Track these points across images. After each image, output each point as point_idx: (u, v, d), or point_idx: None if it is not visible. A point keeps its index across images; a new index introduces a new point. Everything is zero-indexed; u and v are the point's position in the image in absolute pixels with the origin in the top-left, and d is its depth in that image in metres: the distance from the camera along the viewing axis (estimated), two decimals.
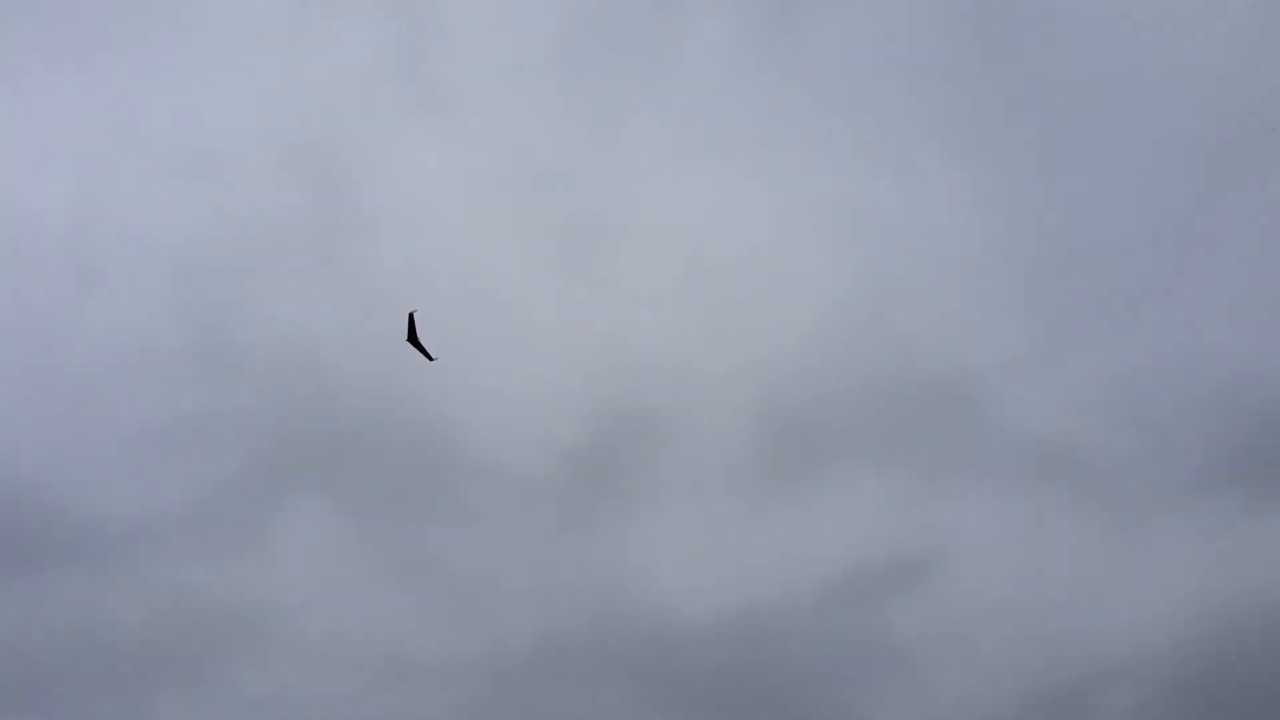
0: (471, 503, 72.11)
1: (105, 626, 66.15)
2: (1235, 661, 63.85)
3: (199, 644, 67.05)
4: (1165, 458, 70.86)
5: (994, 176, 79.00)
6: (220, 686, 65.61)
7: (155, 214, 73.95)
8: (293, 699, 65.07)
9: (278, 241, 75.32)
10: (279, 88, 78.56)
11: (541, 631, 67.35)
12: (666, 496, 72.22)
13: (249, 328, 74.30)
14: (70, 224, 73.50)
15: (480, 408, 74.88)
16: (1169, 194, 78.27)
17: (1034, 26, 79.77)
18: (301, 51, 78.87)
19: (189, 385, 72.11)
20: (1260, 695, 62.04)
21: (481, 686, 65.55)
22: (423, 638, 67.50)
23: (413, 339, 45.23)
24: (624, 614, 68.21)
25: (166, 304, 72.98)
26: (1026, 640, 66.65)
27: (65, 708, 63.55)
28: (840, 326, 76.43)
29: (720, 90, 79.93)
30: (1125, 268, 77.71)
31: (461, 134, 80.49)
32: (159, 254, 73.83)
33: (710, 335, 76.66)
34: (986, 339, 74.97)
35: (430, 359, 46.04)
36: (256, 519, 70.68)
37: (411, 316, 44.61)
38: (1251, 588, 64.96)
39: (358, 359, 75.63)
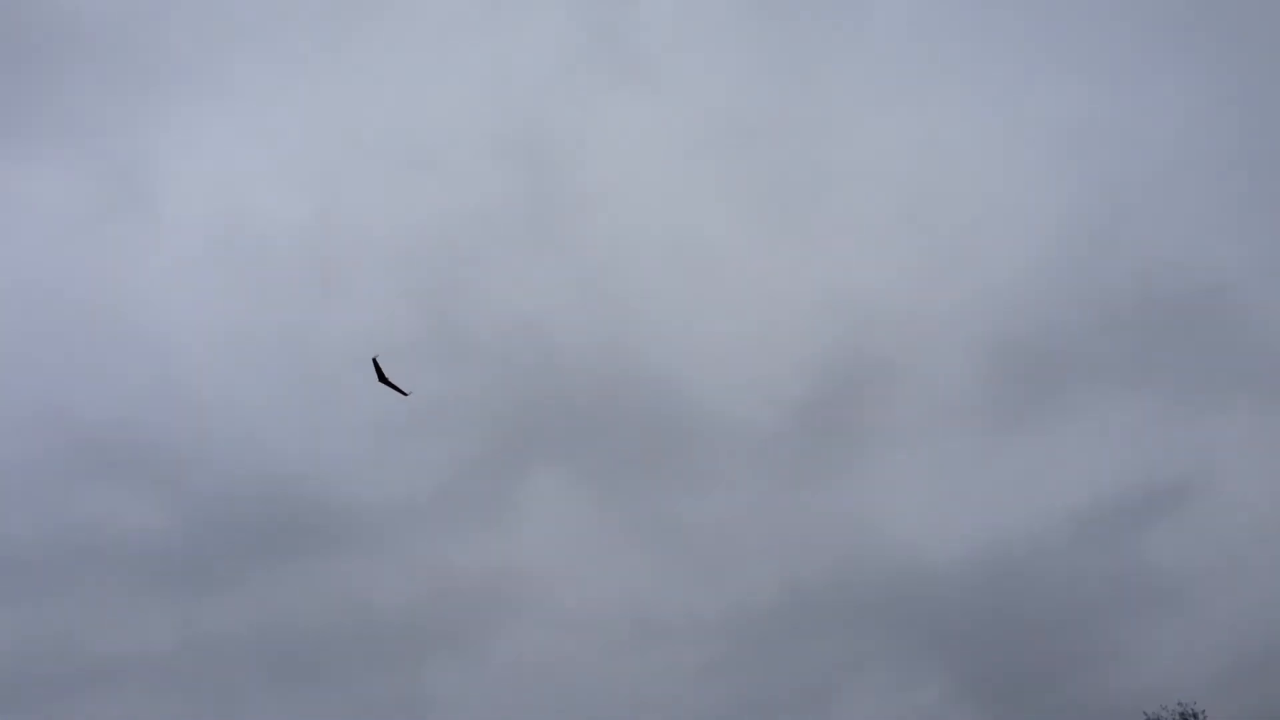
0: (707, 461, 72.81)
1: (373, 602, 69.97)
2: None
3: (459, 614, 70.18)
4: None
5: (1228, 75, 73.96)
6: (481, 653, 68.49)
7: (383, 212, 77.86)
8: (549, 662, 67.29)
9: (497, 225, 78.07)
10: (484, 77, 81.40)
11: (785, 583, 67.22)
12: (901, 438, 70.98)
13: (479, 311, 77.30)
14: (308, 230, 78.03)
15: (707, 367, 75.53)
16: None
17: None
18: (501, 40, 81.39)
19: (429, 371, 75.46)
20: None
21: (728, 641, 66.03)
22: (669, 596, 68.64)
23: (383, 380, 46.77)
24: (866, 560, 67.36)
25: (401, 296, 76.60)
26: None
27: (343, 679, 67.53)
28: (1070, 248, 73.18)
29: (918, 22, 77.93)
30: None
31: (663, 100, 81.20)
32: (390, 250, 77.65)
33: (932, 270, 74.82)
34: (1233, 247, 70.27)
35: (404, 394, 47.49)
36: (502, 493, 73.49)
37: (375, 361, 46.35)
38: None
39: (584, 330, 77.66)
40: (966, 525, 66.40)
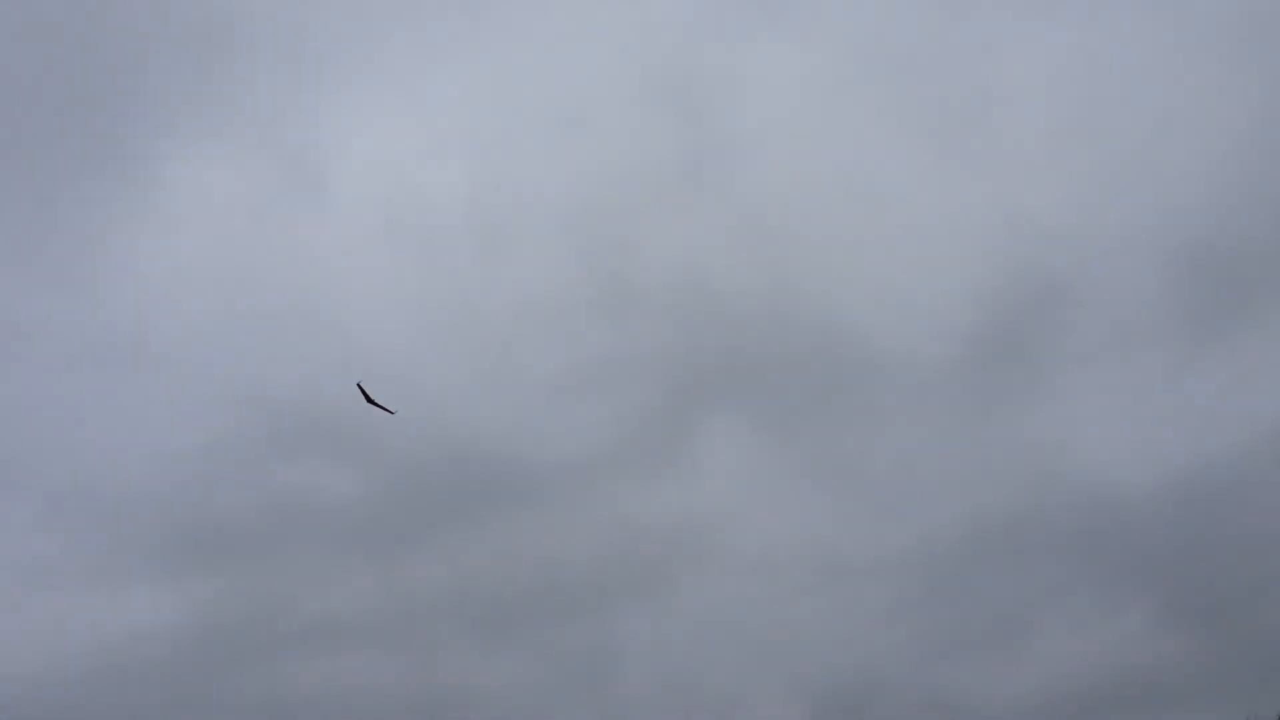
0: (881, 398, 71.70)
1: (560, 557, 71.50)
2: None
3: (644, 564, 71.14)
4: None
5: None
6: (668, 601, 69.29)
7: (541, 173, 78.83)
8: (735, 607, 67.64)
9: (654, 176, 78.11)
10: (629, 27, 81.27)
11: (971, 516, 65.79)
12: (1086, 361, 68.38)
13: (642, 263, 77.69)
14: (470, 197, 79.65)
15: (877, 302, 74.26)
16: None
17: None
18: None
19: (596, 326, 76.46)
20: None
21: (916, 577, 65.19)
22: (852, 536, 68.01)
23: (370, 401, 47.50)
24: (1056, 488, 65.37)
25: (564, 254, 77.59)
26: None
27: (536, 632, 69.37)
28: (1257, 150, 68.94)
29: None
30: None
31: (812, 36, 79.73)
32: (550, 209, 78.70)
33: (1108, 185, 71.58)
34: None
35: (391, 413, 48.13)
36: (679, 442, 73.95)
37: (360, 386, 47.21)
38: None
39: (750, 274, 77.25)
40: (1161, 447, 63.65)
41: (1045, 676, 59.62)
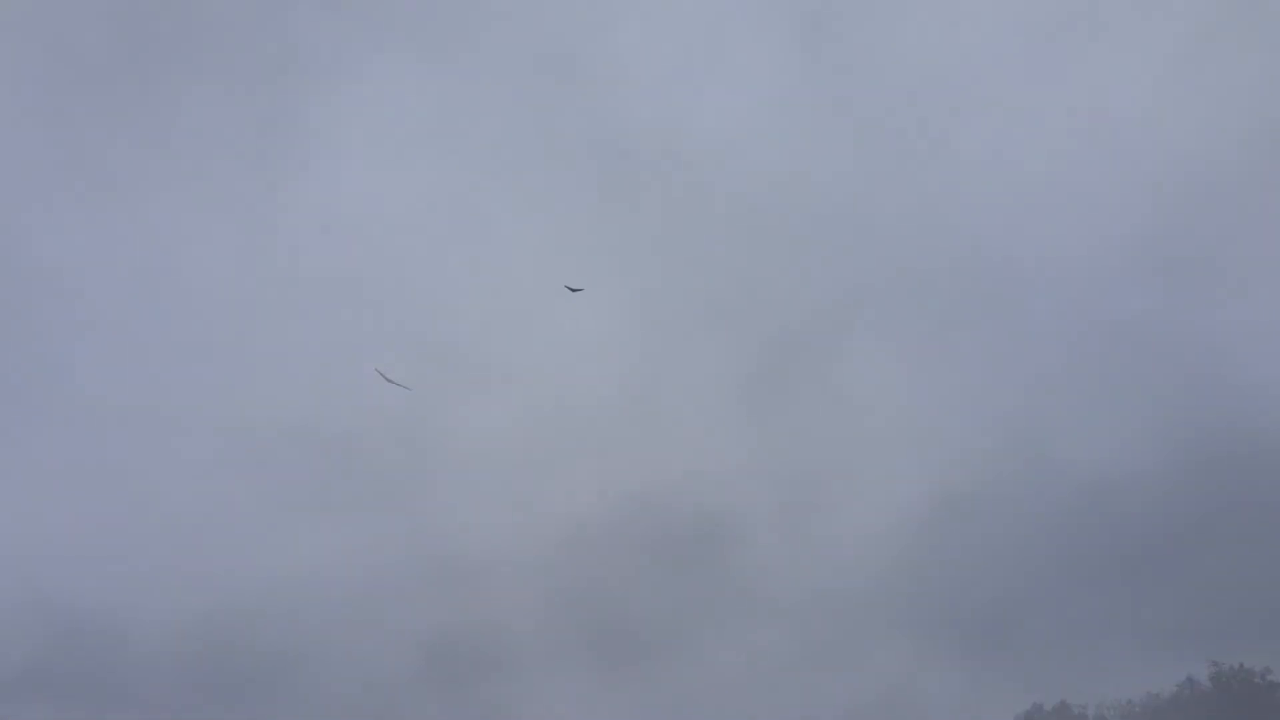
0: (1029, 319, 69.44)
1: (705, 483, 71.36)
2: None
3: (785, 494, 70.47)
4: None
5: None
6: (811, 535, 68.84)
7: (664, 115, 78.26)
8: (878, 540, 66.52)
9: (795, 105, 76.80)
10: None
11: (1133, 438, 63.40)
12: (1260, 280, 64.47)
13: (784, 191, 76.43)
14: (592, 133, 79.71)
15: (1028, 215, 71.41)
16: None
17: None
18: None
19: (723, 260, 75.79)
20: None
21: (1053, 515, 63.04)
22: (1002, 458, 66.16)
23: (388, 381, 48.43)
24: (1210, 420, 62.06)
25: (688, 193, 76.83)
26: None
27: (675, 561, 69.80)
28: None
29: None
30: None
31: None
32: (674, 148, 77.99)
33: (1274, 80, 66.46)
34: None
35: (408, 389, 49.09)
36: (818, 370, 72.99)
37: (378, 370, 48.48)
38: None
39: (899, 199, 75.09)
40: None
41: (1201, 603, 57.23)
